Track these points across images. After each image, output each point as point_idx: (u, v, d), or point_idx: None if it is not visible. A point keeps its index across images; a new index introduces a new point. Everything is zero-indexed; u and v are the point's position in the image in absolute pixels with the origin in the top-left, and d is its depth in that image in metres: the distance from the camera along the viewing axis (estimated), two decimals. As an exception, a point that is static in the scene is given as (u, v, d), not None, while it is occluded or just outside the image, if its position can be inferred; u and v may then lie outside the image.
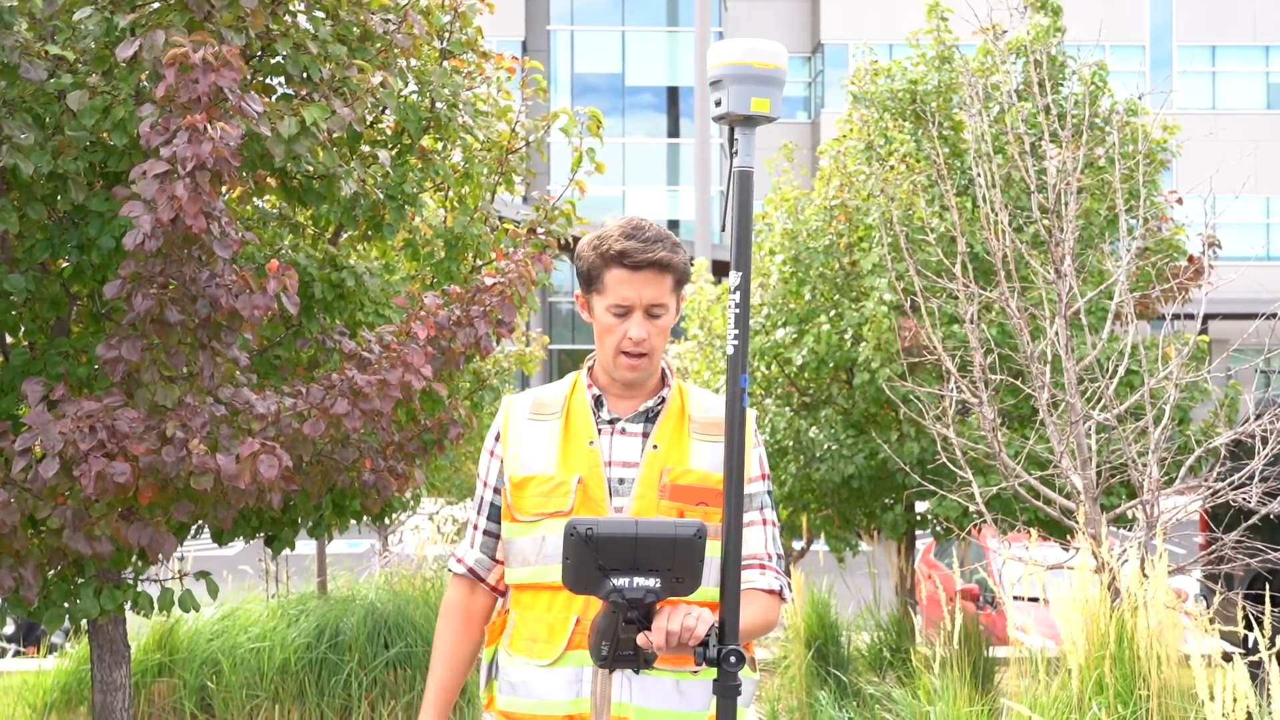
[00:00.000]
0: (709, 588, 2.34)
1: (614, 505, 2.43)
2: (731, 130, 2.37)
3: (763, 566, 2.56)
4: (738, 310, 2.35)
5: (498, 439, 2.58)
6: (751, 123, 2.35)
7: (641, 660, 2.26)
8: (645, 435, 2.50)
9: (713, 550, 2.37)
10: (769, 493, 2.61)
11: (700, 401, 2.57)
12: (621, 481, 2.46)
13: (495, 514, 2.58)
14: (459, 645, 2.63)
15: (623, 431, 2.50)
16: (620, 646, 2.25)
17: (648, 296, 2.43)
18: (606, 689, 2.39)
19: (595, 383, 2.56)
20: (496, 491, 2.57)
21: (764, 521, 2.58)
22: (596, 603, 2.33)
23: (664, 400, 2.54)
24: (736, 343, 2.34)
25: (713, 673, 2.41)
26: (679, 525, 2.22)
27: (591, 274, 2.47)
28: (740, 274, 2.34)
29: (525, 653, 2.46)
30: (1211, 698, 3.62)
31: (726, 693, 2.27)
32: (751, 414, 2.56)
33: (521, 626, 2.50)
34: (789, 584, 2.61)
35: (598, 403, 2.53)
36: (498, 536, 2.58)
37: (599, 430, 2.50)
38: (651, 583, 2.19)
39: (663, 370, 2.58)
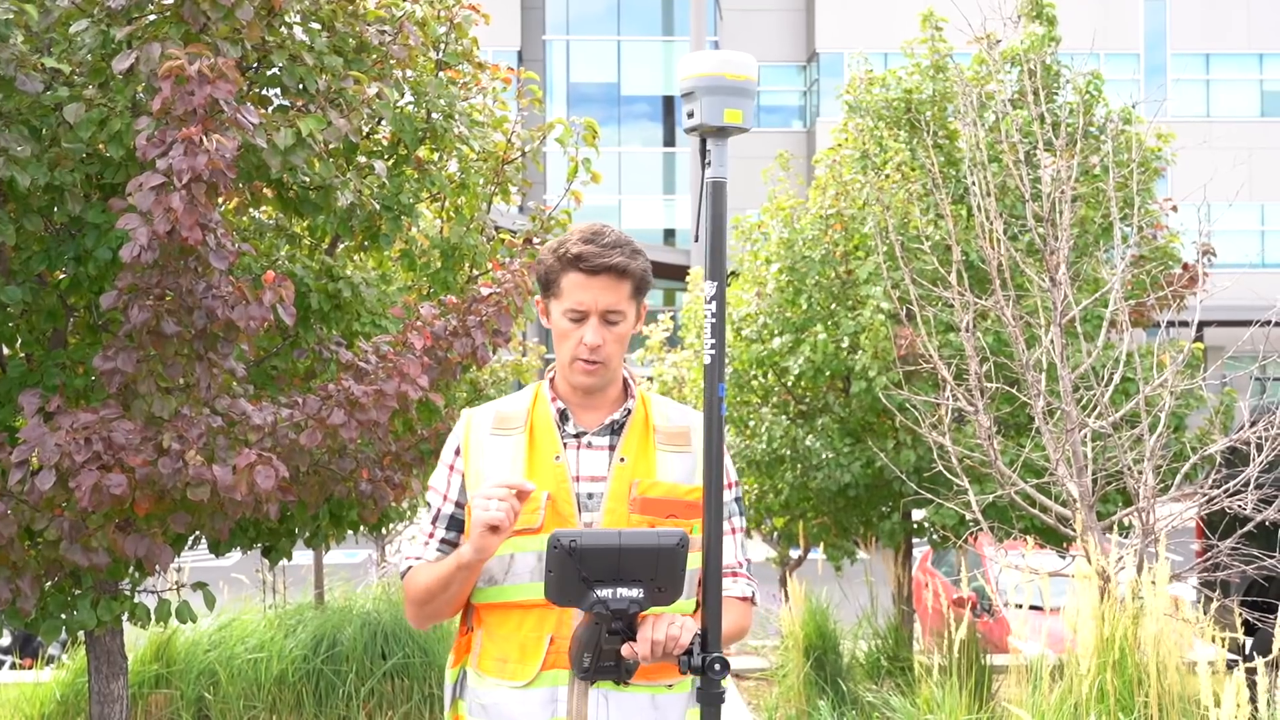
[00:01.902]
0: (683, 600, 2.36)
1: (583, 521, 2.39)
2: (703, 141, 2.39)
3: (734, 574, 2.57)
4: (714, 320, 2.37)
5: (458, 453, 2.52)
6: (724, 134, 2.38)
7: (623, 671, 2.26)
8: (612, 448, 2.47)
9: (689, 560, 2.36)
10: (737, 500, 2.60)
11: (664, 411, 2.55)
12: (590, 496, 2.42)
13: (456, 525, 2.51)
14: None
15: (589, 445, 2.47)
16: (602, 657, 2.24)
17: (604, 302, 2.40)
18: (583, 708, 2.35)
19: (558, 394, 2.51)
20: (459, 505, 2.50)
21: (733, 530, 2.58)
22: (570, 621, 2.33)
23: (629, 412, 2.51)
24: (714, 352, 2.35)
25: (687, 685, 2.43)
26: (662, 535, 2.22)
27: (549, 278, 2.44)
28: (715, 284, 2.36)
29: (497, 674, 2.42)
30: (1217, 704, 3.62)
31: (710, 700, 2.29)
32: None
33: (490, 647, 2.45)
34: (758, 589, 2.61)
35: (563, 416, 2.48)
36: (455, 545, 2.50)
37: (564, 444, 2.45)
38: (635, 593, 2.20)
39: (625, 380, 2.54)
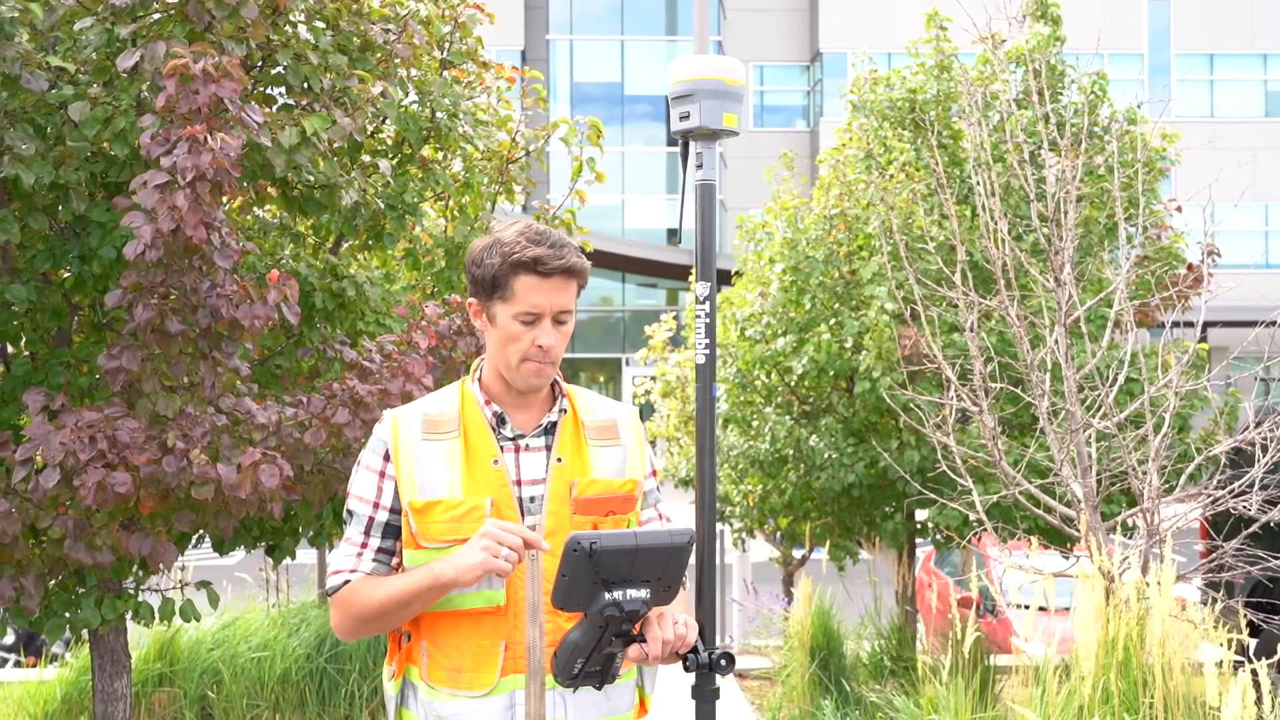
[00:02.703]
0: None
1: (526, 524, 2.32)
2: (685, 144, 2.40)
3: None
4: (706, 320, 2.39)
5: (387, 459, 2.42)
6: (715, 137, 2.40)
7: (609, 676, 2.24)
8: (548, 449, 2.43)
9: None
10: (659, 487, 2.62)
11: (588, 405, 2.52)
12: (532, 499, 2.39)
13: (392, 533, 2.43)
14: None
15: (526, 448, 2.42)
16: (593, 662, 2.21)
17: (557, 303, 2.37)
18: (541, 708, 2.31)
19: (490, 396, 2.46)
20: (394, 512, 2.41)
21: (661, 516, 2.59)
22: (522, 625, 2.29)
23: (563, 411, 2.47)
24: (707, 352, 2.36)
25: (633, 673, 2.44)
26: (674, 534, 2.22)
27: (497, 281, 2.37)
28: (708, 285, 2.37)
29: (451, 684, 2.36)
30: (1224, 705, 3.62)
31: (706, 697, 2.30)
32: (635, 411, 2.58)
33: (439, 657, 2.38)
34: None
35: (499, 420, 2.43)
36: (393, 554, 2.43)
37: (501, 448, 2.41)
38: (644, 594, 2.19)
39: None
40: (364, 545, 2.44)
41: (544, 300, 2.36)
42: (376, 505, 2.43)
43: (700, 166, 2.41)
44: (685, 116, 2.38)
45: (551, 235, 2.38)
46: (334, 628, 2.47)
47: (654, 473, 2.59)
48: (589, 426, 2.48)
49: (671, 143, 34.49)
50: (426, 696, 2.40)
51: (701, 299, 2.39)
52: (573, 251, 2.39)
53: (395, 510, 2.42)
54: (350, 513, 2.46)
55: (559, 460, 2.42)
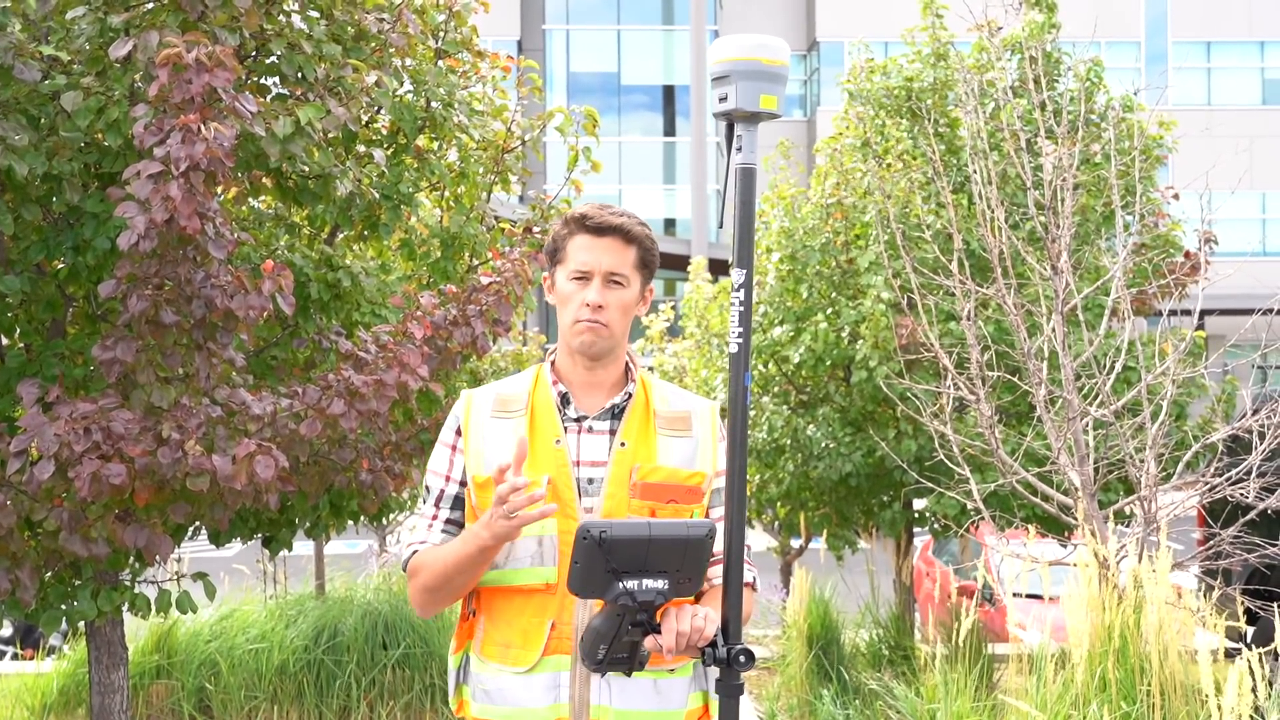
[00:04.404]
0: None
1: (583, 506, 2.37)
2: (731, 126, 2.35)
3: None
4: (742, 308, 2.33)
5: (458, 433, 2.49)
6: (756, 119, 2.34)
7: (636, 663, 2.24)
8: (612, 432, 2.45)
9: None
10: None
11: (664, 395, 2.52)
12: (590, 481, 2.40)
13: (460, 504, 2.49)
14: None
15: (589, 430, 2.44)
16: (618, 649, 2.21)
17: (607, 263, 2.39)
18: (585, 693, 2.34)
19: (560, 378, 2.49)
20: (462, 485, 2.47)
21: None
22: (570, 606, 2.31)
23: (630, 395, 2.48)
24: (741, 340, 2.32)
25: (689, 670, 2.44)
26: (691, 526, 2.21)
27: (556, 245, 2.45)
28: (744, 271, 2.32)
29: (499, 659, 2.41)
30: (1219, 692, 3.62)
31: (730, 692, 2.27)
32: (715, 406, 2.56)
33: (493, 632, 2.44)
34: (757, 574, 2.60)
35: (564, 400, 2.46)
36: (461, 525, 2.48)
37: (565, 429, 2.43)
38: (661, 584, 2.17)
39: (626, 364, 2.52)
40: (434, 517, 2.50)
41: (593, 258, 2.39)
42: (447, 478, 2.49)
43: (740, 150, 2.35)
44: (724, 98, 2.33)
45: (612, 206, 2.45)
46: (411, 603, 2.53)
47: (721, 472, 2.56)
48: (661, 415, 2.48)
49: (668, 132, 34.46)
50: (477, 669, 2.45)
51: (737, 286, 2.34)
52: (632, 220, 2.43)
53: (463, 483, 2.48)
54: (427, 488, 2.52)
55: (623, 444, 2.43)
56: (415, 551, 2.48)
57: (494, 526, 2.25)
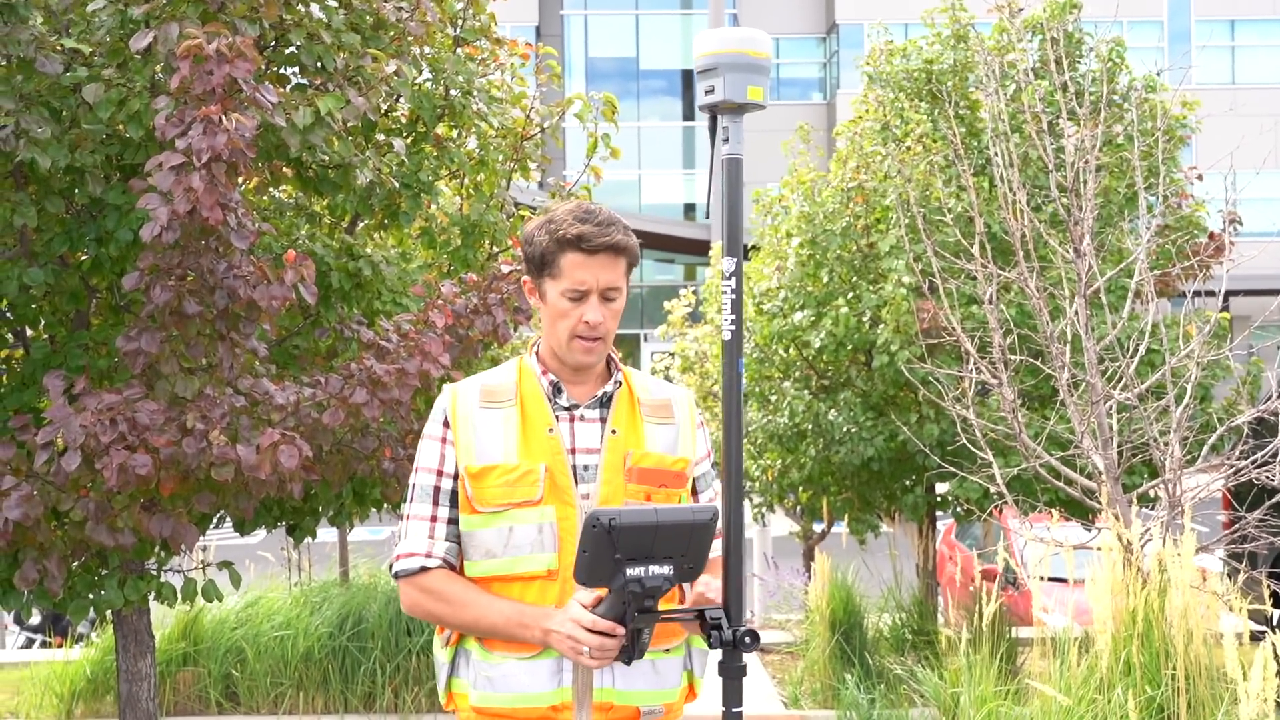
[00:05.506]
0: None
1: (580, 492, 2.41)
2: (714, 118, 2.38)
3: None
4: (733, 296, 2.39)
5: (447, 425, 2.48)
6: (742, 110, 2.38)
7: (637, 652, 2.26)
8: (603, 420, 2.49)
9: None
10: (715, 465, 2.64)
11: (644, 384, 2.58)
12: (586, 468, 2.44)
13: (456, 501, 2.47)
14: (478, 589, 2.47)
15: (581, 418, 2.48)
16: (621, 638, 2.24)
17: (604, 280, 2.42)
18: (588, 676, 2.39)
19: (547, 368, 2.51)
20: (454, 478, 2.46)
21: (718, 496, 2.61)
22: (571, 590, 2.33)
23: (619, 384, 2.53)
24: (734, 328, 2.38)
25: (681, 650, 2.49)
26: (696, 511, 2.23)
27: (545, 258, 2.44)
28: (734, 260, 2.36)
29: (503, 646, 2.41)
30: (1245, 677, 3.61)
31: (732, 674, 2.32)
32: (691, 394, 2.62)
33: None
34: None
35: (555, 389, 2.49)
36: (456, 523, 2.48)
37: (556, 417, 2.46)
38: (667, 570, 2.20)
39: (608, 355, 2.56)
40: (433, 519, 2.48)
41: (589, 277, 2.41)
42: (440, 473, 2.48)
43: (727, 141, 2.39)
44: (710, 90, 2.36)
45: (600, 214, 2.43)
46: (403, 606, 2.53)
47: (709, 454, 2.62)
48: (644, 404, 2.53)
49: (687, 117, 34.28)
50: (480, 658, 2.45)
51: (728, 275, 2.40)
52: (620, 230, 2.43)
53: (455, 476, 2.47)
54: (414, 485, 2.50)
55: (614, 431, 2.47)
56: (423, 568, 2.45)
57: (553, 639, 2.28)
